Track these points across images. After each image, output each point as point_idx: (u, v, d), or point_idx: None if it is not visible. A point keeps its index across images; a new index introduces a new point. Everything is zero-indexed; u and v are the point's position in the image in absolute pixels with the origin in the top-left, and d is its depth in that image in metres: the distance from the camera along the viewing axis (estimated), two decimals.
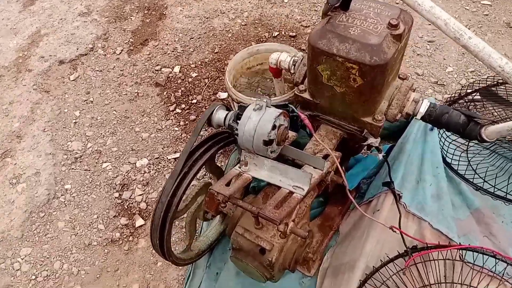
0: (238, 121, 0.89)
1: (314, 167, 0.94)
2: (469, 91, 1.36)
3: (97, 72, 1.69)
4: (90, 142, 1.48)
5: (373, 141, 1.00)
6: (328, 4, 0.88)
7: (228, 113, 0.94)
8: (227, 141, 0.99)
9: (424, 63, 1.60)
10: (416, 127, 1.24)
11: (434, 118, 0.99)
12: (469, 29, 1.72)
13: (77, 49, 1.78)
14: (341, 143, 1.09)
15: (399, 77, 1.06)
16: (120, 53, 1.75)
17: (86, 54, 1.76)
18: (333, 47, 0.88)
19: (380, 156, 1.03)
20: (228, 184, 0.87)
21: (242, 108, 0.91)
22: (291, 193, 0.86)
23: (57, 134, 1.50)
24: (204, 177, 1.33)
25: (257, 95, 1.46)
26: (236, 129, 0.89)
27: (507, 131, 0.85)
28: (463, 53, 1.63)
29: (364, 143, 1.02)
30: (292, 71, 1.12)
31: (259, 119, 0.86)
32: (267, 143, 0.86)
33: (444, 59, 1.61)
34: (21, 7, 1.99)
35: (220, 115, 0.94)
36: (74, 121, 1.54)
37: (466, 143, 1.24)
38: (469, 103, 1.40)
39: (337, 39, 0.88)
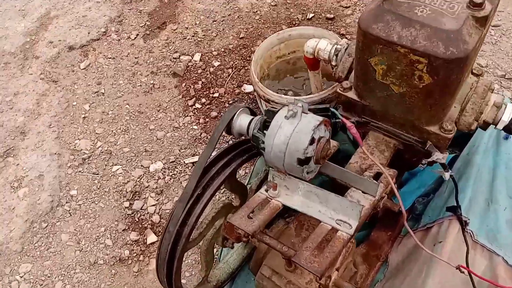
0: (265, 130, 0.69)
1: (363, 192, 0.74)
2: None
3: (110, 59, 1.52)
4: (99, 140, 1.31)
5: (439, 157, 0.77)
6: None
7: (252, 118, 0.74)
8: (251, 153, 0.79)
9: (488, 52, 1.34)
10: (487, 134, 0.99)
11: None
12: None
13: (89, 33, 1.61)
14: (394, 155, 0.87)
15: (472, 73, 0.82)
16: (135, 38, 1.57)
17: (98, 39, 1.59)
18: (393, 34, 0.66)
19: (447, 176, 0.80)
20: (251, 215, 0.68)
21: (271, 113, 0.70)
22: (334, 229, 0.66)
23: (64, 130, 1.35)
24: (224, 192, 1.14)
25: (289, 92, 1.25)
26: (263, 142, 0.69)
27: None
28: None
29: (427, 160, 0.80)
30: (333, 63, 0.90)
31: (293, 131, 0.66)
32: (303, 162, 0.66)
33: None
34: None
35: (242, 121, 0.74)
36: (83, 115, 1.38)
37: None
38: None
39: (399, 23, 0.66)
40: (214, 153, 0.74)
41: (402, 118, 0.78)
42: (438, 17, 0.64)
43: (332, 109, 0.78)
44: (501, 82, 1.27)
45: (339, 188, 0.77)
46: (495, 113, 0.75)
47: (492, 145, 0.99)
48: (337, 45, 0.90)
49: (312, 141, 0.65)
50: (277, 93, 1.23)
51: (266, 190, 0.72)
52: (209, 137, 1.28)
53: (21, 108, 1.42)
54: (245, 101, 1.35)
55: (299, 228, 0.77)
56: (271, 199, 0.70)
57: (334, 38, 1.08)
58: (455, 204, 0.90)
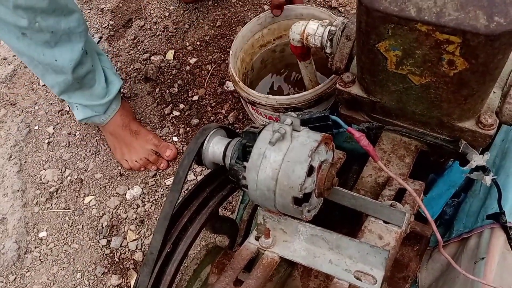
0: (245, 161, 0.51)
1: (384, 222, 0.55)
2: None
3: None
4: (68, 168, 1.13)
5: (478, 160, 0.59)
6: None
7: (229, 142, 0.55)
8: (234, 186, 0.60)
9: None
10: None
11: None
12: None
13: None
14: (417, 159, 0.68)
15: None
16: (98, 41, 1.37)
17: None
18: (410, 6, 0.46)
19: (489, 180, 0.61)
20: (239, 282, 0.49)
21: (251, 136, 0.51)
22: (352, 286, 0.48)
23: (27, 161, 1.17)
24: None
25: (277, 85, 1.06)
26: (244, 178, 0.50)
27: None
28: None
29: (463, 166, 0.61)
30: (328, 50, 0.71)
31: (282, 160, 0.47)
32: (301, 201, 0.47)
33: None
34: None
35: (215, 147, 0.55)
36: (47, 141, 1.20)
37: None
38: None
39: None
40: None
41: (426, 115, 0.59)
42: None
43: (333, 117, 0.59)
44: None
45: (351, 212, 0.59)
46: None
47: None
48: (330, 26, 0.70)
49: (310, 171, 0.47)
50: (265, 91, 1.05)
51: (257, 238, 0.53)
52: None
53: None
54: (230, 101, 1.15)
55: (306, 276, 0.58)
56: (264, 250, 0.52)
57: (327, 16, 0.88)
58: (498, 210, 0.72)
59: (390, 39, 0.50)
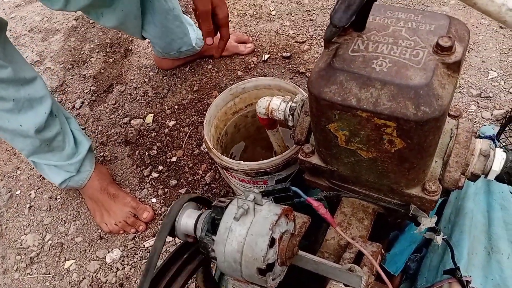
0: (214, 234, 0.56)
1: (345, 285, 0.60)
2: None
3: None
4: (49, 232, 1.15)
5: (427, 223, 0.65)
6: (332, 27, 0.53)
7: (199, 214, 0.60)
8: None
9: None
10: None
11: None
12: None
13: None
14: (376, 220, 0.74)
15: (449, 115, 0.71)
16: (80, 106, 1.43)
17: None
18: (351, 96, 0.54)
19: (439, 240, 0.68)
20: None
21: (219, 210, 0.57)
22: None
23: (8, 226, 1.19)
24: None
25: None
26: (213, 250, 0.55)
27: None
28: (507, 51, 1.27)
29: (417, 227, 0.67)
30: (290, 124, 0.78)
31: (246, 233, 0.52)
32: (265, 271, 0.52)
33: (483, 61, 1.25)
34: None
35: (186, 220, 0.60)
36: (28, 205, 1.22)
37: None
38: None
39: (355, 83, 0.54)
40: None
41: (378, 183, 0.66)
42: (402, 70, 0.53)
43: (294, 189, 0.65)
44: (477, 103, 1.17)
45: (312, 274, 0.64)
46: (484, 163, 0.64)
47: (482, 185, 0.88)
48: (292, 102, 0.78)
49: (272, 243, 0.52)
50: (239, 154, 1.11)
51: None
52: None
53: None
54: (206, 162, 1.21)
55: None
56: None
57: (292, 88, 0.97)
58: (453, 266, 0.78)
59: (337, 122, 0.57)
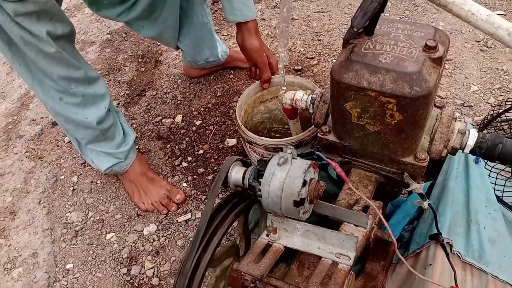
0: (260, 179, 0.75)
1: (355, 225, 0.79)
2: (501, 110, 1.22)
3: None
4: (91, 211, 1.32)
5: (416, 187, 0.84)
6: (352, 29, 0.74)
7: (246, 169, 0.79)
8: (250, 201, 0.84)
9: (445, 85, 1.47)
10: (456, 160, 1.08)
11: (486, 151, 0.84)
12: (486, 42, 1.60)
13: None
14: (377, 188, 0.94)
15: (435, 106, 0.92)
16: (116, 107, 1.62)
17: None
18: (363, 80, 0.74)
19: (426, 204, 0.87)
20: (258, 261, 0.71)
21: (263, 163, 0.76)
22: (334, 263, 0.70)
23: (54, 205, 1.36)
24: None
25: (270, 135, 1.32)
26: (259, 190, 0.74)
27: None
28: (486, 70, 1.50)
29: (405, 189, 0.86)
30: (311, 111, 0.98)
31: (286, 176, 0.71)
32: (298, 203, 0.71)
33: (466, 77, 1.48)
34: (9, 68, 1.89)
35: (236, 173, 0.80)
36: (72, 188, 1.40)
37: None
38: (502, 124, 1.26)
39: (367, 70, 0.74)
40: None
41: (380, 153, 0.86)
42: (400, 62, 0.74)
43: (317, 153, 0.84)
44: (461, 110, 1.38)
45: (333, 225, 0.82)
46: (461, 139, 0.84)
47: (463, 170, 1.08)
48: (312, 94, 0.99)
49: (304, 183, 0.71)
50: (260, 134, 1.30)
51: (267, 235, 0.76)
52: (198, 193, 1.32)
53: (9, 188, 1.43)
54: (229, 155, 1.40)
55: (301, 268, 0.80)
56: (273, 242, 0.75)
57: (311, 85, 1.18)
58: (436, 232, 0.97)
59: (352, 101, 0.77)
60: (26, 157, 1.52)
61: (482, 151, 0.83)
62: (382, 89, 0.72)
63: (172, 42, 1.42)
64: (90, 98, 1.13)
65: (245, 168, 0.80)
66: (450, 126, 0.85)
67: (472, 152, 0.85)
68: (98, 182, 1.40)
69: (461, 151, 0.86)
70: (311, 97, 0.98)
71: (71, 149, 1.52)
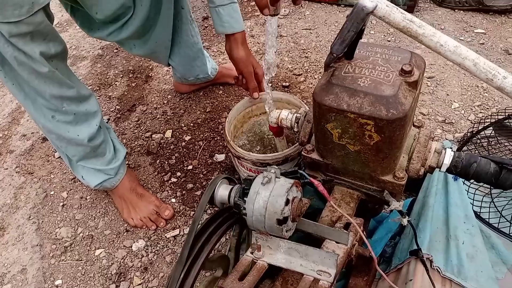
0: (245, 197, 0.77)
1: (336, 242, 0.82)
2: (480, 127, 1.26)
3: None
4: (80, 226, 1.34)
5: (396, 205, 0.88)
6: (331, 55, 0.78)
7: (232, 187, 0.82)
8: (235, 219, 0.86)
9: (427, 102, 1.52)
10: (435, 177, 1.12)
11: (461, 169, 0.87)
12: None
13: None
14: (359, 205, 0.97)
15: (414, 125, 0.96)
16: (107, 122, 1.64)
17: None
18: (343, 103, 0.78)
19: (405, 221, 0.90)
20: (242, 278, 0.74)
21: (248, 181, 0.79)
22: (316, 280, 0.73)
23: (44, 221, 1.37)
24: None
25: (257, 147, 1.35)
26: (244, 208, 0.77)
27: None
28: (467, 87, 1.55)
29: (386, 207, 0.90)
30: (295, 130, 1.02)
31: (269, 195, 0.74)
32: (281, 221, 0.74)
33: (448, 94, 1.53)
34: (0, 83, 1.90)
35: (223, 191, 0.82)
36: (61, 203, 1.41)
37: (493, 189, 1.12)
38: (482, 141, 1.31)
39: (346, 93, 0.78)
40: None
41: (361, 172, 0.89)
42: (378, 86, 0.77)
43: (300, 171, 0.88)
44: (442, 127, 1.43)
45: (316, 241, 0.85)
46: (438, 158, 0.88)
47: (443, 187, 1.12)
48: (297, 113, 1.02)
49: (287, 202, 0.74)
50: (248, 148, 1.32)
51: (252, 252, 0.78)
52: (187, 209, 1.34)
53: None
54: (218, 170, 1.43)
55: (285, 284, 0.83)
56: (257, 260, 0.77)
57: (298, 102, 1.21)
58: (416, 248, 1.00)
59: (333, 122, 0.81)
60: (16, 172, 1.53)
61: (458, 170, 0.87)
62: (360, 111, 0.76)
63: (163, 60, 1.46)
64: (82, 116, 1.15)
65: (231, 186, 0.83)
66: (427, 146, 0.89)
67: (448, 170, 0.88)
68: (87, 197, 1.42)
69: (438, 169, 0.90)
70: (296, 116, 1.01)
71: (61, 164, 1.54)
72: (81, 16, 1.21)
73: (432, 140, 0.92)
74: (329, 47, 0.77)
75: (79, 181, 1.46)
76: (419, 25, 0.64)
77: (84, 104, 1.14)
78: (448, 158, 0.87)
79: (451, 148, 1.13)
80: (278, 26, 1.65)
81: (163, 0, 1.23)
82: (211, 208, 1.32)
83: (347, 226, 0.88)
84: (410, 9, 1.90)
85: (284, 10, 2.04)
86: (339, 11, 2.04)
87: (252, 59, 1.28)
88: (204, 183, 1.40)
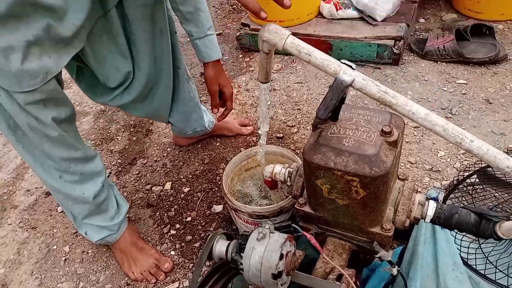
0: (241, 253, 0.83)
1: None
2: (465, 175, 1.33)
3: None
4: (82, 281, 1.37)
5: (384, 254, 0.93)
6: (317, 119, 0.86)
7: (229, 243, 0.88)
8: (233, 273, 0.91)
9: (415, 151, 1.59)
10: (423, 226, 1.18)
11: (443, 220, 0.93)
12: (451, 110, 1.76)
13: None
14: (352, 255, 1.02)
15: (398, 178, 1.02)
16: (108, 176, 1.71)
17: None
18: (330, 161, 0.85)
19: (395, 271, 0.95)
20: None
21: (244, 237, 0.84)
22: None
23: (46, 276, 1.39)
24: None
25: (254, 201, 1.41)
26: (241, 263, 0.82)
27: None
28: None
29: (376, 256, 0.95)
30: (288, 183, 1.08)
31: (264, 250, 0.79)
32: (276, 276, 0.79)
33: (434, 143, 1.61)
34: (5, 139, 1.98)
35: (220, 247, 0.87)
36: (64, 258, 1.44)
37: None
38: (468, 188, 1.37)
39: (333, 153, 0.85)
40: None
41: (350, 224, 0.95)
42: (361, 145, 0.85)
43: (294, 225, 0.93)
44: (430, 175, 1.50)
45: None
46: (421, 210, 0.94)
47: (431, 235, 1.17)
48: (289, 168, 1.09)
49: (281, 257, 0.79)
50: (244, 201, 1.37)
51: None
52: (186, 261, 1.38)
53: (2, 259, 1.47)
54: (216, 222, 1.48)
55: None
56: None
57: (292, 155, 1.28)
58: None
59: (322, 178, 0.87)
60: (20, 227, 1.57)
61: (441, 221, 0.93)
62: (346, 169, 0.83)
63: (164, 119, 1.54)
64: (88, 175, 1.21)
65: (229, 241, 0.88)
66: (411, 198, 0.95)
67: (432, 221, 0.94)
68: (89, 251, 1.45)
69: (423, 220, 0.96)
70: (289, 171, 1.08)
71: (63, 219, 1.58)
72: (84, 81, 1.30)
73: (416, 193, 0.98)
74: (320, 98, 0.85)
75: (81, 235, 1.51)
76: (392, 95, 0.72)
77: (90, 164, 1.21)
78: (431, 209, 0.93)
79: (435, 198, 1.20)
80: (271, 81, 1.76)
81: (163, 63, 1.33)
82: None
83: (340, 277, 0.92)
84: (395, 62, 2.02)
85: (277, 65, 2.17)
86: None
87: (221, 79, 1.39)
88: (202, 235, 1.44)
